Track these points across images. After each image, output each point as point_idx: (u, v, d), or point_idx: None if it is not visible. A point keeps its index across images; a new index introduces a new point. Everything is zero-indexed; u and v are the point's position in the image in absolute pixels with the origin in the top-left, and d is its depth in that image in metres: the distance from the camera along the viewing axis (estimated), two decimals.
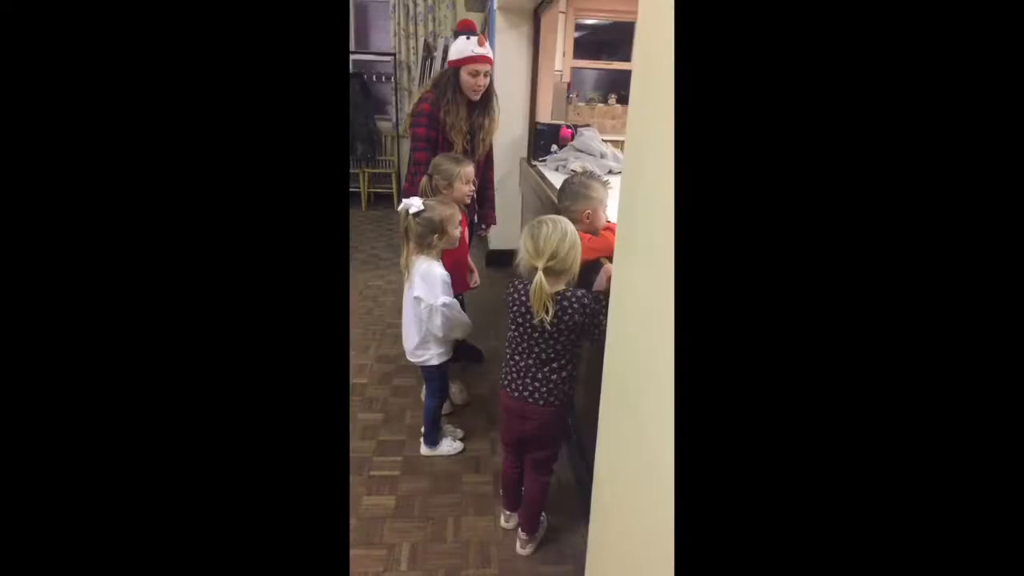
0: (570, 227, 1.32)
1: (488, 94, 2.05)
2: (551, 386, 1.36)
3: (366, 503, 1.66)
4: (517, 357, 1.38)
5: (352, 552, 1.49)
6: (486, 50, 1.94)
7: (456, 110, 1.97)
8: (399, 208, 1.68)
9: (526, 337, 1.35)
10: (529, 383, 1.37)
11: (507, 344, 1.42)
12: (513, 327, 1.38)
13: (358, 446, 1.90)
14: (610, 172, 2.80)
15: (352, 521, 1.59)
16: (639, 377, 0.78)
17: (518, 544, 1.53)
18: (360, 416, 2.06)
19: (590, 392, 1.56)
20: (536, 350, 1.35)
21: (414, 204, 1.63)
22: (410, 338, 1.75)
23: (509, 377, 1.41)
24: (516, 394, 1.39)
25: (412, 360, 1.79)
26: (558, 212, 1.60)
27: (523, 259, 1.31)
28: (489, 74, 1.99)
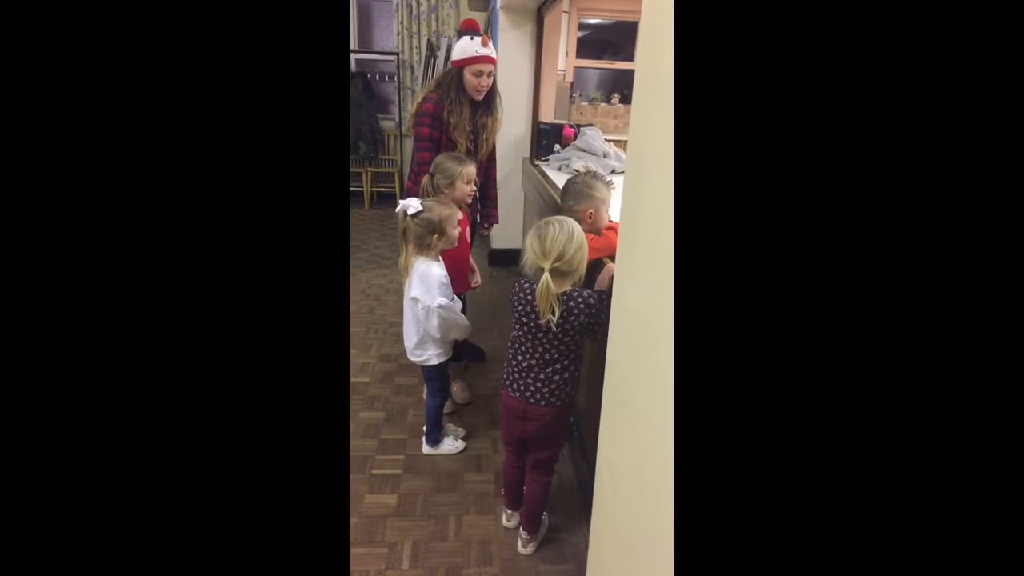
0: (577, 228, 1.32)
1: (491, 94, 2.05)
2: (553, 386, 1.36)
3: (368, 501, 1.67)
4: (520, 357, 1.38)
5: (354, 550, 1.50)
6: (490, 50, 1.94)
7: (460, 110, 1.97)
8: (397, 210, 1.68)
9: (530, 337, 1.35)
10: (531, 383, 1.37)
11: (510, 344, 1.42)
12: (518, 326, 1.38)
13: (360, 445, 1.91)
14: (613, 172, 2.80)
15: (354, 519, 1.59)
16: (641, 377, 0.78)
17: (519, 543, 1.53)
18: (362, 415, 2.06)
19: (592, 392, 1.56)
20: (540, 350, 1.35)
21: (412, 205, 1.63)
22: (409, 337, 1.76)
23: (511, 377, 1.41)
24: (518, 394, 1.39)
25: (412, 359, 1.79)
26: (561, 211, 1.60)
27: (529, 259, 1.31)
28: (492, 74, 1.99)
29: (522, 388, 1.38)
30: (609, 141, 3.07)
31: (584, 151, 2.97)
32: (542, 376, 1.36)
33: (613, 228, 1.58)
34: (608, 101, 4.30)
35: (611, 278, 1.28)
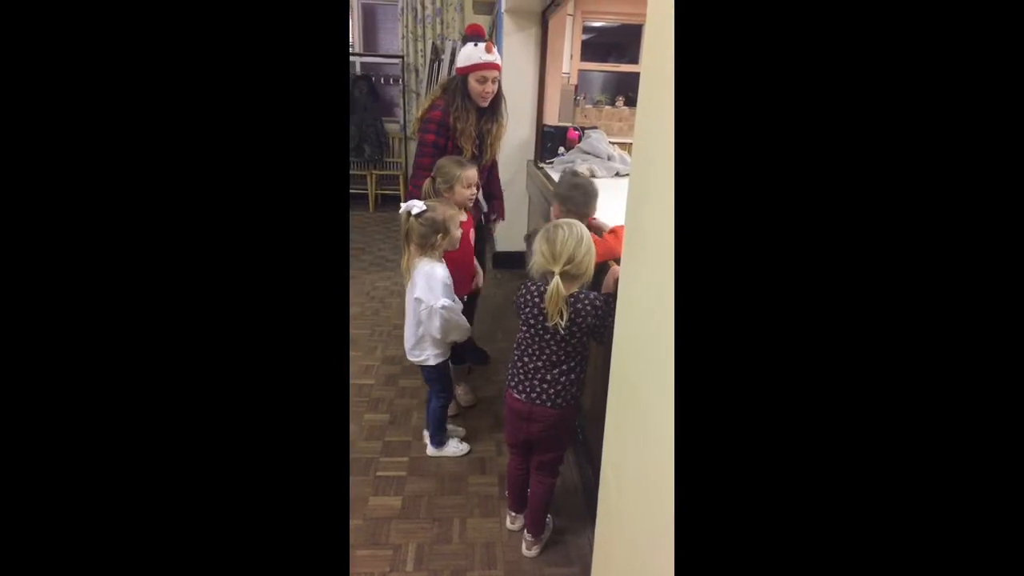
0: (585, 232, 1.33)
1: (497, 100, 2.05)
2: (559, 387, 1.36)
3: (372, 503, 1.67)
4: (526, 359, 1.38)
5: (358, 552, 1.50)
6: (494, 56, 1.94)
7: (466, 116, 1.97)
8: (400, 211, 1.68)
9: (537, 339, 1.36)
10: (537, 384, 1.37)
11: (516, 345, 1.42)
12: (524, 328, 1.38)
13: (364, 447, 1.91)
14: (617, 175, 2.80)
15: (358, 521, 1.59)
16: (646, 380, 0.78)
17: (524, 546, 1.53)
18: (366, 417, 2.07)
19: (597, 394, 1.56)
20: (547, 352, 1.35)
21: (416, 205, 1.64)
22: (408, 338, 1.77)
23: (517, 378, 1.41)
24: (524, 396, 1.39)
25: (411, 360, 1.80)
26: (571, 213, 1.61)
27: (538, 263, 1.31)
28: (497, 80, 1.99)
29: (528, 390, 1.38)
30: (613, 143, 3.07)
31: (588, 153, 2.97)
32: (548, 377, 1.36)
33: (614, 232, 1.59)
34: (612, 104, 4.31)
35: (616, 281, 1.28)
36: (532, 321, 1.35)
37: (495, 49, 1.96)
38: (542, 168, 3.11)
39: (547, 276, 1.29)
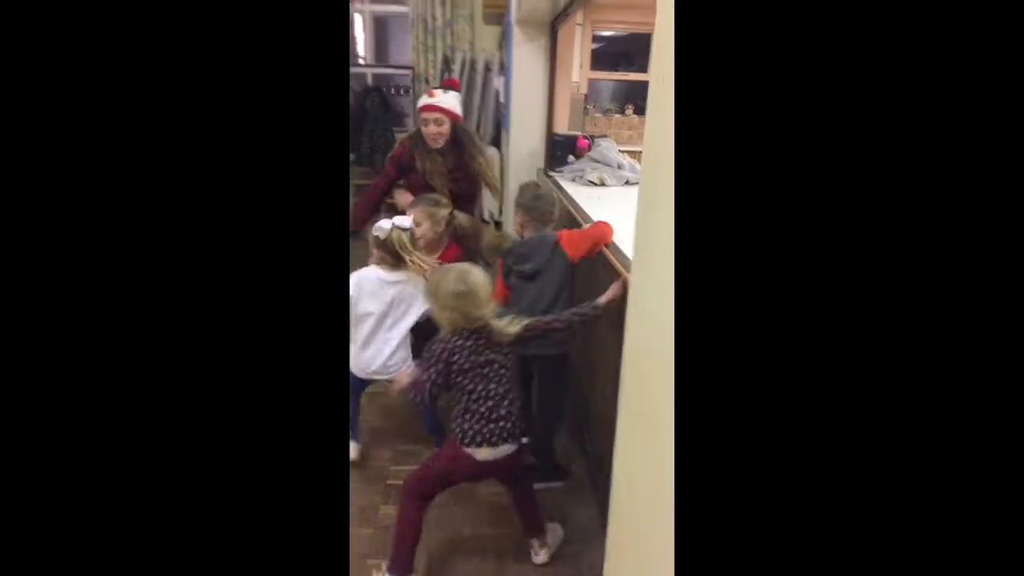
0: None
1: (456, 141, 2.14)
2: (514, 419, 1.37)
3: (383, 512, 1.67)
4: (474, 406, 1.36)
5: (369, 561, 1.49)
6: (435, 100, 2.08)
7: (431, 157, 2.12)
8: (387, 226, 1.72)
9: (480, 378, 1.35)
10: (495, 426, 1.35)
11: (460, 400, 1.38)
12: (461, 377, 1.35)
13: (374, 455, 1.91)
14: (627, 183, 2.80)
15: (369, 530, 1.59)
16: (657, 384, 0.78)
17: (532, 553, 1.51)
18: (376, 425, 2.07)
19: (607, 403, 1.55)
20: (492, 386, 1.35)
21: (405, 220, 1.73)
22: (395, 352, 1.76)
23: (473, 429, 1.35)
24: (486, 445, 1.34)
25: (391, 373, 1.77)
26: (535, 221, 1.68)
27: (466, 313, 1.33)
28: (443, 122, 2.09)
29: (489, 435, 1.35)
30: (623, 152, 3.07)
31: (598, 162, 2.97)
32: (503, 412, 1.36)
33: (595, 225, 1.68)
34: (622, 112, 4.31)
35: (624, 287, 1.29)
36: (468, 366, 1.34)
37: (439, 93, 2.10)
38: (552, 177, 3.12)
39: (473, 322, 1.33)
